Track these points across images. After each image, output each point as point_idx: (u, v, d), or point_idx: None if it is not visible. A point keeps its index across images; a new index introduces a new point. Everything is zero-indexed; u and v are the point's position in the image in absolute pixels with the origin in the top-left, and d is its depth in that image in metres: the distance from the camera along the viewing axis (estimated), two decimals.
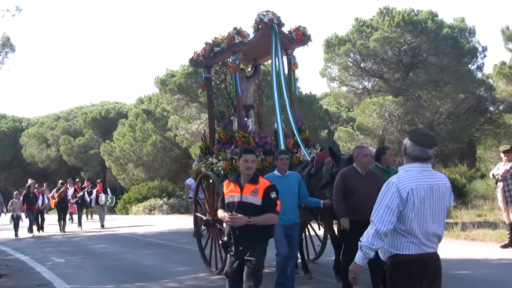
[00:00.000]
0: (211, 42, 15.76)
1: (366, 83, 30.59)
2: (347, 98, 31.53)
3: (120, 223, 33.15)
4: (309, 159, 13.84)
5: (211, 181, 15.00)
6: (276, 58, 14.99)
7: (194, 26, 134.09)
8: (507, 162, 16.31)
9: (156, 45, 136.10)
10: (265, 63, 19.56)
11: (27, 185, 29.21)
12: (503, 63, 26.25)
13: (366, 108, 27.85)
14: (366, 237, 5.49)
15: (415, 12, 27.53)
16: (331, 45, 28.82)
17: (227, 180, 8.81)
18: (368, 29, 28.01)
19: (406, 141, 5.68)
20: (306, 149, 14.67)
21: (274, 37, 14.87)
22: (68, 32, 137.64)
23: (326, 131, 37.87)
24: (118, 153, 44.68)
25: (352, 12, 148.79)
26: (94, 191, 31.78)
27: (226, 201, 8.47)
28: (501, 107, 29.40)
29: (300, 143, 14.77)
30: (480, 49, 28.46)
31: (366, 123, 28.22)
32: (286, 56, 15.67)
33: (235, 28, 14.78)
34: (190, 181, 21.19)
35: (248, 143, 14.23)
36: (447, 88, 27.28)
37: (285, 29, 15.28)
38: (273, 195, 8.33)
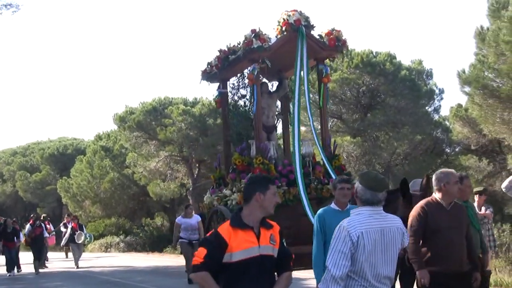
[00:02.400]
0: (226, 49, 13.72)
1: None
2: (305, 137, 31.65)
3: (67, 259, 32.72)
4: None
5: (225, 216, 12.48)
6: (301, 67, 12.82)
7: (154, 63, 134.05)
8: (482, 206, 14.75)
9: (115, 82, 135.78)
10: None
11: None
12: (459, 106, 26.56)
13: None
14: (324, 285, 5.45)
15: (374, 54, 27.82)
16: (289, 85, 28.97)
17: (226, 226, 5.72)
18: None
19: (357, 185, 5.73)
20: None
21: (301, 41, 12.70)
22: (25, 65, 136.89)
23: None
24: (75, 190, 44.26)
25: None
26: (69, 228, 29.14)
27: (236, 258, 5.58)
28: (457, 149, 29.70)
29: (330, 172, 12.35)
30: (437, 91, 28.90)
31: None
32: (316, 66, 13.54)
33: (253, 31, 12.49)
34: (180, 219, 18.97)
35: (268, 171, 11.98)
36: (404, 130, 27.54)
37: (315, 33, 13.17)
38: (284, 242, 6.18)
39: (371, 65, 27.05)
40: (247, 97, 14.45)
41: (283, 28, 12.65)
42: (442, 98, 29.17)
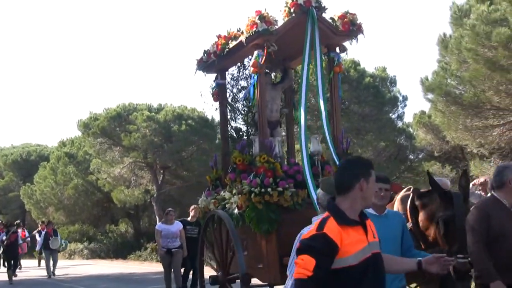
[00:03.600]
0: (226, 35, 12.16)
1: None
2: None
3: (40, 268, 32.39)
4: None
5: (223, 222, 11.22)
6: (311, 54, 11.34)
7: (118, 68, 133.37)
8: None
9: (79, 88, 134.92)
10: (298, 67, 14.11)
11: None
12: (423, 113, 26.83)
13: None
14: None
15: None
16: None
17: (334, 225, 4.51)
18: None
19: (319, 191, 5.64)
20: None
21: (311, 24, 11.15)
22: None
23: None
24: (38, 197, 43.83)
25: None
26: (42, 234, 27.68)
27: (349, 263, 4.51)
28: (420, 156, 30.02)
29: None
30: (400, 98, 29.15)
31: None
32: (327, 54, 11.97)
33: (258, 12, 10.98)
34: (160, 226, 17.50)
35: (273, 171, 10.53)
36: (368, 136, 27.71)
37: (327, 16, 11.54)
38: None
39: None
40: (249, 88, 12.42)
41: (291, 10, 11.12)
42: (405, 105, 29.49)
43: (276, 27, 11.01)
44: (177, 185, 37.11)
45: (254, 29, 10.87)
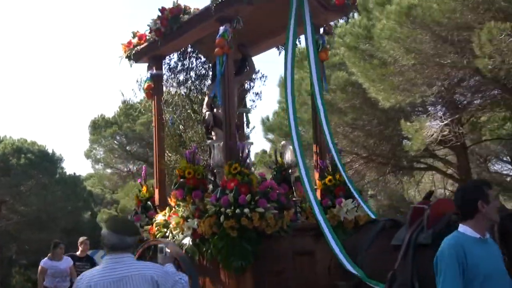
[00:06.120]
0: (173, 6, 9.38)
1: (131, 166, 30.80)
2: (112, 180, 31.53)
3: None
4: (373, 216, 8.28)
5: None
6: (295, 33, 8.92)
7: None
8: None
9: None
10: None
11: None
12: (264, 152, 27.35)
13: (130, 190, 27.96)
14: None
15: None
16: (97, 127, 28.91)
17: None
18: (135, 113, 28.33)
19: (104, 230, 5.24)
20: (363, 199, 8.74)
21: None
22: None
23: (89, 212, 37.51)
24: None
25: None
26: None
27: None
28: None
29: (351, 187, 8.62)
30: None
31: (130, 206, 28.31)
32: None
33: None
34: (46, 262, 14.17)
35: (249, 185, 7.99)
36: None
37: None
38: None
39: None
40: (192, 82, 10.74)
41: None
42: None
43: None
44: (14, 220, 36.10)
45: None
